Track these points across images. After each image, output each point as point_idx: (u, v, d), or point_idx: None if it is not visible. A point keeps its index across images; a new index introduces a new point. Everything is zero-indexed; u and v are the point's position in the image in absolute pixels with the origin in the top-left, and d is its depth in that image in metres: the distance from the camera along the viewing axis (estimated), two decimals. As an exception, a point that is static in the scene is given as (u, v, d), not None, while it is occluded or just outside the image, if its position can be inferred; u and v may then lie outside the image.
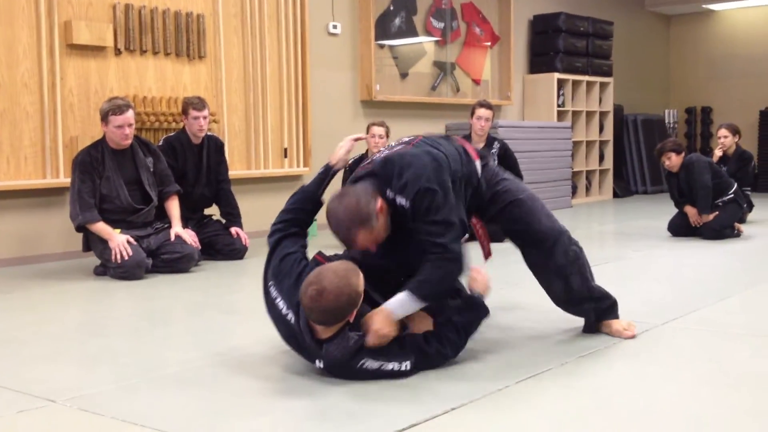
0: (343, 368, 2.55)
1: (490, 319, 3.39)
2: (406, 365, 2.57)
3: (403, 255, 2.78)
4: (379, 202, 2.62)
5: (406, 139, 2.90)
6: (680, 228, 6.36)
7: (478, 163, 2.94)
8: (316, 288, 2.44)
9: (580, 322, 3.35)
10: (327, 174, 2.94)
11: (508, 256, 5.34)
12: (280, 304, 2.65)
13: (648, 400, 2.37)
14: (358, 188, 2.66)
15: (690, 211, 6.28)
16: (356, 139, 3.08)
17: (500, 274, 4.46)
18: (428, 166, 2.67)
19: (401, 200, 2.64)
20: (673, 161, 6.28)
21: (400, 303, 2.61)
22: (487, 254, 3.16)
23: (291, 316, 2.62)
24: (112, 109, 4.77)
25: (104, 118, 4.81)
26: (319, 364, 2.56)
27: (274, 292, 2.69)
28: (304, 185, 2.98)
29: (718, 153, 7.32)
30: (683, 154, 6.28)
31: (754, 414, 2.27)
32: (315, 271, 2.53)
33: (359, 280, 2.50)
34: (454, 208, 2.69)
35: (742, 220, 6.61)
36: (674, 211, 6.51)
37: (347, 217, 2.57)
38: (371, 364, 2.53)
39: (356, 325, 2.54)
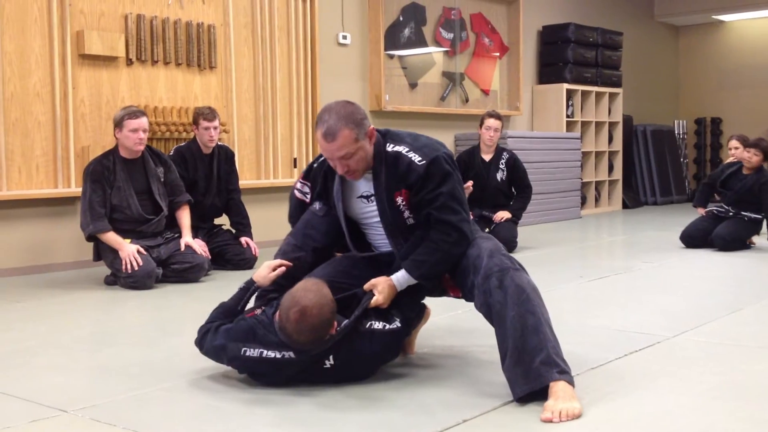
0: (355, 360, 2.60)
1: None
2: (398, 322, 2.66)
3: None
4: (371, 128, 2.60)
5: None
6: (694, 240, 6.30)
7: None
8: (298, 309, 2.43)
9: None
10: (247, 291, 2.77)
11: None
12: (271, 353, 2.56)
13: (660, 413, 2.36)
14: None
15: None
16: (282, 266, 2.78)
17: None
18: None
19: (415, 157, 2.56)
20: (753, 161, 6.13)
21: (405, 279, 2.65)
22: (456, 296, 2.78)
23: (288, 354, 2.56)
24: (128, 113, 4.83)
25: (119, 123, 4.83)
26: (329, 362, 2.58)
27: (253, 351, 2.57)
28: (224, 301, 2.81)
29: (728, 164, 7.29)
30: (765, 162, 6.16)
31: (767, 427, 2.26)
32: (286, 296, 2.51)
33: (328, 290, 2.52)
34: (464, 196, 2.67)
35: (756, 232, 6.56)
36: (685, 222, 6.44)
37: (339, 114, 2.52)
38: (377, 324, 2.61)
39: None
